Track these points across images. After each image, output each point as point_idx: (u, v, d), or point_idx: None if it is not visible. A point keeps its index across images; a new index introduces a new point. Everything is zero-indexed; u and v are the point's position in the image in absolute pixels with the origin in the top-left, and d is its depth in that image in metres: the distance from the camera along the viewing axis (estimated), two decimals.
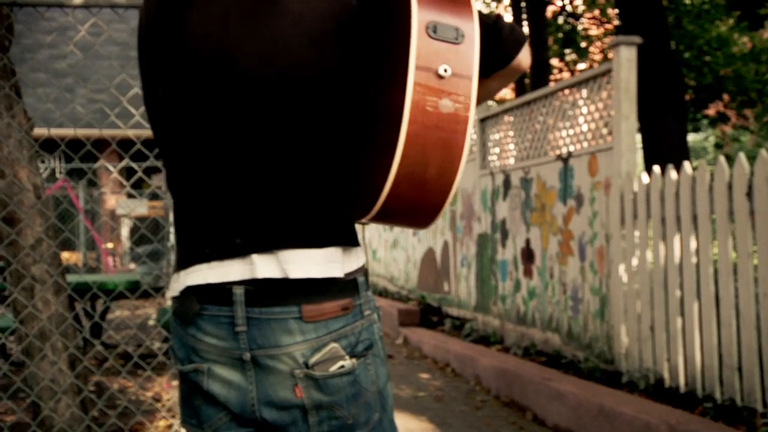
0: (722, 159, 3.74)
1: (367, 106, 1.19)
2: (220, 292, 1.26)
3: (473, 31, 1.10)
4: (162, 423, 3.96)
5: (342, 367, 1.25)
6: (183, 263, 1.31)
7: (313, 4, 1.23)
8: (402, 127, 1.05)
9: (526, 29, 11.03)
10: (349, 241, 1.30)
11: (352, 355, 1.26)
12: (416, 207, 1.12)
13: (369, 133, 1.17)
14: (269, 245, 1.24)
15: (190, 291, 1.29)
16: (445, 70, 1.07)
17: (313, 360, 1.24)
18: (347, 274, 1.28)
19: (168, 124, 1.32)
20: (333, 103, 1.24)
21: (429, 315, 7.27)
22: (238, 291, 1.24)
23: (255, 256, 1.24)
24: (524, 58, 1.29)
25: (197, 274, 1.29)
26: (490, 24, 1.23)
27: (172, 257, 2.17)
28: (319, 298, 1.25)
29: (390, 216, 1.15)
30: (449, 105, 1.08)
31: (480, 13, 1.18)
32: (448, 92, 1.08)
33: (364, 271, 1.34)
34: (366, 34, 1.23)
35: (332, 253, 1.26)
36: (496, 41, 1.23)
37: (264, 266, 1.24)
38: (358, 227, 1.34)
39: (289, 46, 1.22)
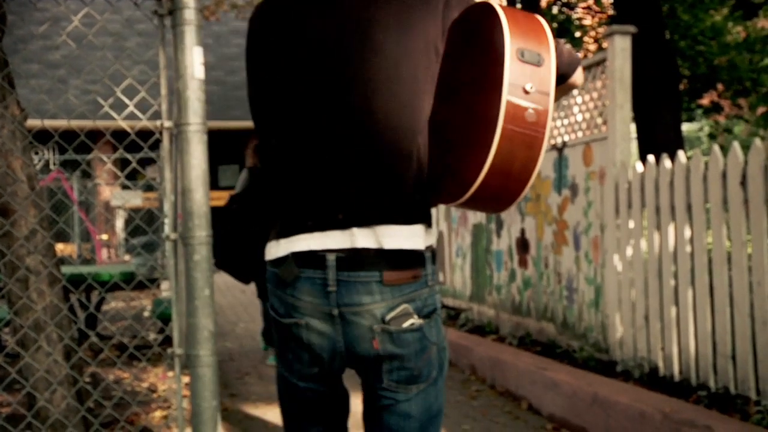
0: (716, 148, 3.74)
1: (459, 114, 1.46)
2: (315, 258, 1.55)
3: (550, 57, 1.40)
4: (158, 413, 3.96)
5: (412, 324, 1.55)
6: (285, 233, 1.59)
7: (410, 34, 1.51)
8: (497, 130, 1.34)
9: None
10: (429, 221, 1.60)
11: (420, 315, 1.57)
12: (499, 195, 1.42)
13: (462, 135, 1.44)
14: (369, 221, 1.53)
15: (290, 257, 1.58)
16: (531, 87, 1.36)
17: (389, 317, 1.54)
18: (422, 249, 1.56)
19: (282, 116, 1.58)
20: (428, 100, 1.52)
21: None
22: (331, 257, 1.54)
23: (355, 229, 1.53)
24: (579, 76, 1.63)
25: (300, 242, 1.57)
26: (558, 49, 1.50)
27: (167, 248, 2.20)
28: (396, 267, 1.54)
29: (476, 201, 1.44)
30: (532, 114, 1.37)
31: (554, 39, 1.46)
32: (533, 104, 1.37)
33: (432, 248, 1.61)
34: (456, 49, 1.51)
35: (418, 230, 1.56)
36: (561, 64, 1.52)
37: (363, 238, 1.53)
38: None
39: (391, 60, 1.50)
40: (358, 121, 1.51)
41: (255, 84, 1.66)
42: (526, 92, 1.36)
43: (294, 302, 1.60)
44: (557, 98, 1.58)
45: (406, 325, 1.55)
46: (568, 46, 1.59)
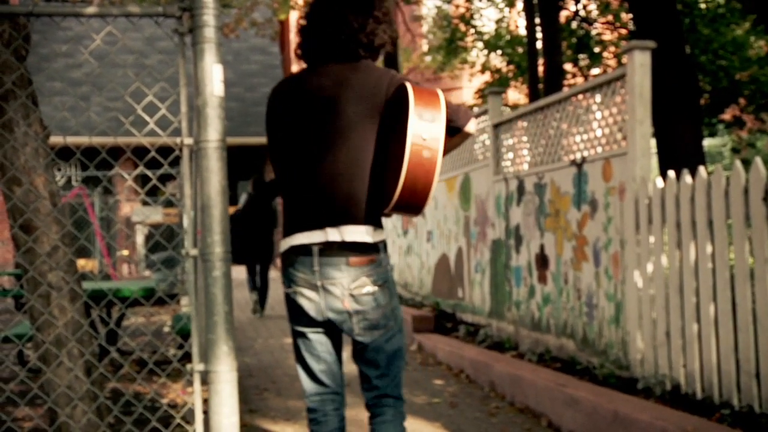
0: (738, 163, 3.71)
1: (387, 152, 2.33)
2: (306, 249, 2.39)
3: (442, 116, 2.24)
4: (177, 430, 3.97)
5: (368, 290, 2.39)
6: (288, 233, 2.45)
7: (364, 105, 2.37)
8: (404, 164, 2.19)
9: (539, 34, 11.00)
10: (376, 223, 2.41)
11: (374, 285, 2.40)
12: (411, 204, 2.27)
13: (389, 166, 2.30)
14: (336, 223, 2.36)
15: (292, 249, 2.43)
16: (426, 136, 2.21)
17: (352, 286, 2.38)
18: (375, 242, 2.39)
19: (285, 154, 2.46)
20: (372, 147, 2.37)
21: (443, 321, 7.25)
22: (315, 248, 2.38)
23: (328, 229, 2.37)
24: (471, 126, 2.45)
25: (296, 239, 2.41)
26: (453, 108, 2.38)
27: (187, 264, 2.27)
28: (358, 253, 2.37)
29: (398, 209, 2.29)
30: (428, 154, 2.20)
31: (448, 103, 2.33)
32: (428, 147, 2.20)
33: (383, 243, 2.44)
34: (389, 116, 2.35)
35: (368, 228, 2.38)
36: (455, 118, 2.39)
37: (332, 234, 2.36)
38: (384, 220, 2.56)
39: (351, 125, 2.37)
40: (329, 165, 2.37)
41: (270, 139, 2.54)
42: (424, 139, 2.20)
43: (292, 277, 2.44)
44: (460, 141, 2.50)
45: (364, 291, 2.38)
46: (464, 106, 2.45)
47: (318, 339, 2.50)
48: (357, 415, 4.13)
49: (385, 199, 2.29)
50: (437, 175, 2.20)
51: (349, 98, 2.37)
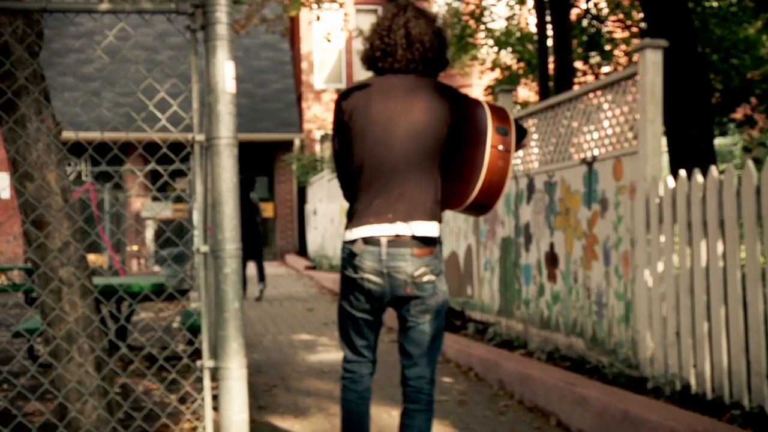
0: (750, 163, 3.69)
1: (464, 157, 2.71)
2: (375, 240, 2.67)
3: (513, 130, 2.67)
4: (187, 425, 3.98)
5: (429, 279, 2.70)
6: (357, 224, 2.71)
7: (432, 114, 2.69)
8: (484, 168, 2.60)
9: (550, 31, 10.95)
10: (439, 220, 2.74)
11: (433, 274, 2.71)
12: (484, 203, 2.68)
13: (466, 170, 2.68)
14: (407, 219, 2.66)
15: (360, 239, 2.68)
16: (502, 147, 2.62)
17: (416, 274, 2.67)
18: (436, 237, 2.71)
19: (357, 154, 2.72)
20: (443, 156, 2.74)
21: (452, 319, 7.25)
22: (384, 239, 2.66)
23: (399, 223, 2.66)
24: (528, 139, 2.88)
25: (366, 230, 2.68)
26: (518, 126, 2.73)
27: (197, 260, 2.27)
28: (421, 246, 2.67)
29: (472, 208, 2.70)
30: (502, 162, 2.62)
31: (515, 121, 2.72)
32: (502, 156, 2.62)
33: (440, 238, 2.74)
34: (462, 127, 2.73)
35: (435, 225, 2.71)
36: (518, 134, 2.74)
37: (402, 228, 2.66)
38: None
39: (421, 128, 2.68)
40: (402, 163, 2.67)
41: (340, 139, 2.81)
42: (500, 149, 2.61)
43: (360, 264, 2.70)
44: (516, 150, 2.78)
45: (425, 279, 2.69)
46: (521, 125, 2.81)
47: (365, 322, 2.84)
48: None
49: (461, 198, 2.68)
50: (509, 179, 2.66)
51: (421, 107, 2.67)
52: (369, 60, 2.83)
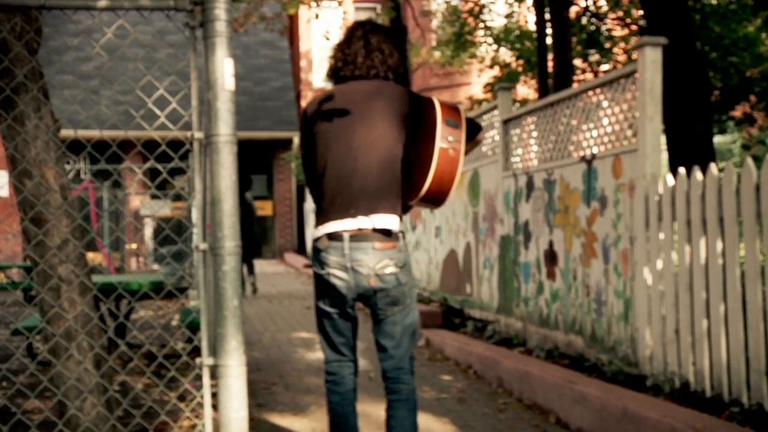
0: (749, 160, 3.69)
1: (417, 152, 2.80)
2: (338, 235, 2.77)
3: (462, 123, 2.77)
4: (186, 423, 3.98)
5: (391, 271, 2.78)
6: (322, 222, 2.83)
7: (391, 113, 2.82)
8: (434, 160, 2.68)
9: (549, 29, 10.94)
10: (400, 214, 2.85)
11: (396, 267, 2.79)
12: (436, 196, 2.75)
13: (419, 163, 2.75)
14: (368, 213, 2.76)
15: (325, 235, 2.79)
16: (451, 138, 2.71)
17: (378, 267, 2.76)
18: (398, 231, 2.81)
19: (321, 156, 2.86)
20: (400, 150, 2.83)
21: (451, 317, 7.25)
22: (346, 234, 2.76)
23: (360, 218, 2.76)
24: (481, 135, 2.93)
25: (329, 226, 2.79)
26: (469, 120, 2.85)
27: (195, 258, 2.27)
28: (383, 239, 2.76)
29: (425, 200, 2.76)
30: (452, 153, 2.70)
31: (467, 117, 2.83)
32: (452, 147, 2.70)
33: (403, 233, 2.84)
34: (417, 124, 2.84)
35: (394, 218, 2.80)
36: (471, 128, 2.86)
37: (364, 222, 2.76)
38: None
39: (381, 128, 2.81)
40: (362, 161, 2.78)
41: (306, 141, 2.96)
42: (449, 141, 2.70)
43: (325, 260, 2.81)
44: (472, 147, 2.94)
45: (387, 271, 2.77)
46: (474, 121, 2.91)
47: (341, 318, 2.91)
48: (364, 410, 4.13)
49: (415, 190, 2.75)
50: (460, 171, 2.70)
51: (380, 108, 2.81)
52: (332, 71, 3.01)
